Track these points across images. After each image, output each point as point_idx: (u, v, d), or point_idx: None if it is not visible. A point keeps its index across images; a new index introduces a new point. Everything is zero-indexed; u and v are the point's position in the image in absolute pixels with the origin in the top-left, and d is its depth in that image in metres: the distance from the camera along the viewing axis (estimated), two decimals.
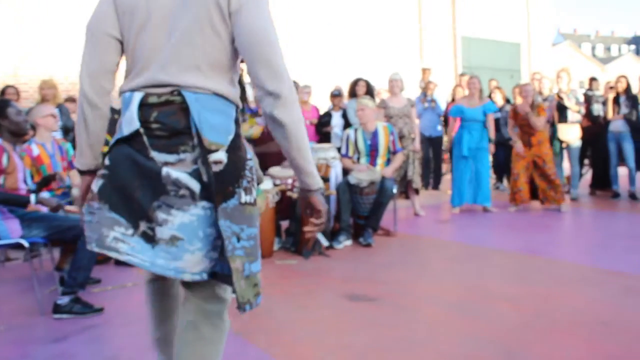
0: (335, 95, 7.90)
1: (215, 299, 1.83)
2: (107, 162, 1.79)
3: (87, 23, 1.82)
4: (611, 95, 8.07)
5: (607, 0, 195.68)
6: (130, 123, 1.73)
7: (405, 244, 5.43)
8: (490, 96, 9.10)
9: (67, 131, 6.36)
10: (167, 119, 1.72)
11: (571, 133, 7.99)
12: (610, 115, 7.97)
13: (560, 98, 7.89)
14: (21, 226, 3.63)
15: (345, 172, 5.79)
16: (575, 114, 8.00)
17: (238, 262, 1.71)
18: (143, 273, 2.18)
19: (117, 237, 1.74)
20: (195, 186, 1.73)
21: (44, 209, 3.90)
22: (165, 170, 1.72)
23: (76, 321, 3.51)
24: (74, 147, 6.09)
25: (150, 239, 1.73)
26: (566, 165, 8.59)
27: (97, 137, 1.88)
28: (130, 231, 1.74)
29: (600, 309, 3.36)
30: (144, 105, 1.73)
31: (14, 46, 9.10)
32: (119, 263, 4.96)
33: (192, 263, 1.73)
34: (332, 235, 5.40)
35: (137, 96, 1.73)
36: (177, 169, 1.72)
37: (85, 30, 1.81)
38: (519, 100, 8.08)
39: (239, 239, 1.72)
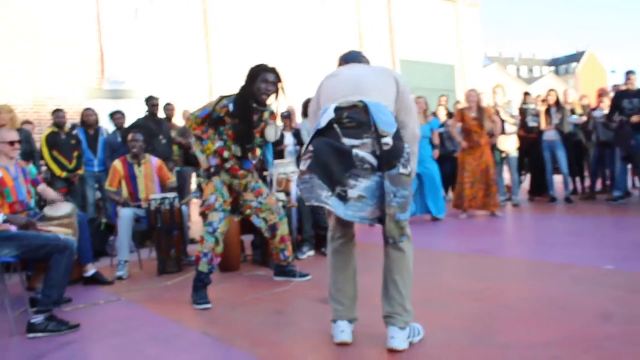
0: (286, 116, 7.95)
1: (402, 229, 2.75)
2: (311, 148, 2.70)
3: None
4: (543, 108, 8.48)
5: (528, 26, 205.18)
6: (327, 118, 2.70)
7: (365, 251, 5.47)
8: (434, 113, 9.37)
9: (30, 156, 6.17)
10: (355, 115, 2.68)
11: (509, 143, 8.36)
12: (543, 125, 8.37)
13: (497, 111, 8.23)
14: None
15: None
16: (511, 126, 8.38)
17: (392, 210, 2.62)
18: (330, 237, 3.00)
19: (326, 196, 2.60)
20: (374, 162, 2.63)
21: (14, 228, 3.78)
22: (354, 151, 2.62)
23: (52, 339, 3.41)
24: (37, 167, 5.93)
25: (343, 198, 2.63)
26: (506, 175, 8.94)
27: None
28: (330, 194, 2.63)
29: (554, 296, 3.53)
30: (338, 110, 2.71)
31: None
32: (88, 283, 4.85)
33: (370, 213, 2.66)
34: (296, 247, 5.44)
35: (333, 105, 2.74)
36: (361, 150, 2.63)
37: None
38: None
39: (395, 196, 2.61)
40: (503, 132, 8.26)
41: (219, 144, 4.20)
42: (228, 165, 4.25)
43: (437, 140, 7.68)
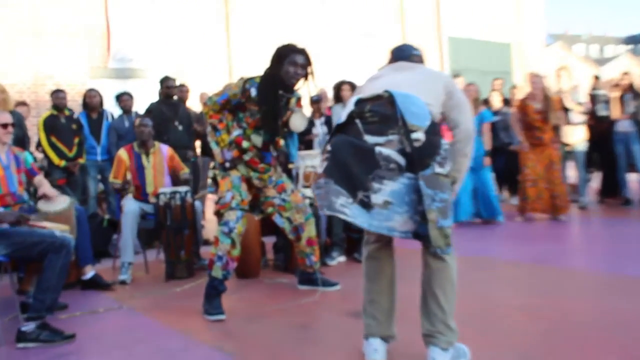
0: (315, 100, 7.89)
1: (447, 237, 2.66)
2: (329, 147, 2.67)
3: None
4: (616, 94, 8.26)
5: (599, 0, 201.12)
6: (347, 110, 2.70)
7: (404, 258, 5.42)
8: (486, 100, 9.21)
9: (21, 142, 6.25)
10: (379, 108, 2.62)
11: (575, 135, 8.16)
12: (616, 114, 8.15)
13: (561, 98, 8.04)
14: None
15: None
16: (578, 116, 8.18)
17: (433, 215, 2.53)
18: (365, 241, 3.00)
19: (342, 203, 2.54)
20: (402, 161, 2.55)
21: (4, 225, 3.82)
22: (377, 149, 2.55)
23: (44, 350, 3.44)
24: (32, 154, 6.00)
25: (366, 205, 2.55)
26: (571, 172, 8.75)
27: None
28: (350, 200, 2.55)
29: (628, 318, 3.42)
30: (359, 102, 2.69)
31: None
32: (86, 287, 4.89)
33: (400, 223, 2.57)
34: (324, 251, 5.40)
35: (355, 97, 2.74)
36: (386, 148, 2.55)
37: None
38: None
39: (433, 200, 2.53)
40: (568, 123, 8.08)
41: (236, 132, 4.18)
42: (246, 158, 4.22)
43: (487, 134, 7.49)
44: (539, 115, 7.31)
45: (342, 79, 7.77)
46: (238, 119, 4.21)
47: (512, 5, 19.74)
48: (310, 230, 4.44)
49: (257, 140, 4.21)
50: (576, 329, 3.29)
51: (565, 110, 8.04)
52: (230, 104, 4.17)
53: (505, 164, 8.81)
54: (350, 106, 2.72)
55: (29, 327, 3.52)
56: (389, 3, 16.37)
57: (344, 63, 13.63)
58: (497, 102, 9.38)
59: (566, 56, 49.46)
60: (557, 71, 8.68)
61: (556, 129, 7.49)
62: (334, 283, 4.55)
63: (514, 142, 8.12)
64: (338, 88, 7.55)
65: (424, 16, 17.32)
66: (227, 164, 4.18)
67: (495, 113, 8.90)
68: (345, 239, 5.64)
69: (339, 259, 5.51)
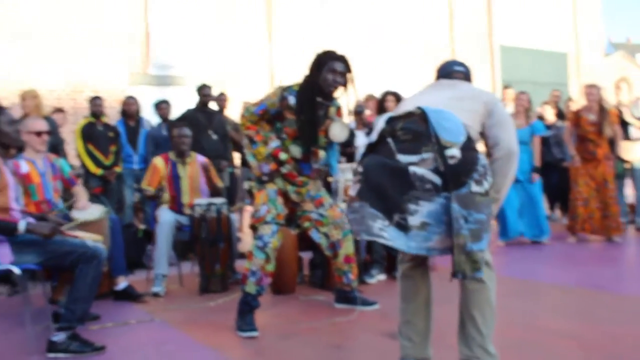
0: (359, 112, 7.92)
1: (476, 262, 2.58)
2: (360, 169, 2.67)
3: None
4: None
5: None
6: (378, 128, 2.71)
7: (447, 278, 5.41)
8: (540, 116, 9.07)
9: (54, 150, 6.42)
10: (411, 125, 2.62)
11: (634, 152, 7.98)
12: None
13: (620, 112, 7.89)
14: (12, 251, 3.66)
15: None
16: (638, 131, 8.00)
17: (461, 239, 2.50)
18: (399, 259, 3.01)
19: (380, 227, 2.54)
20: (437, 180, 2.53)
21: None
22: (411, 169, 2.54)
23: None
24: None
25: (403, 227, 2.54)
26: (629, 191, 8.56)
27: None
28: (387, 222, 2.55)
29: None
30: (391, 120, 2.71)
31: None
32: (118, 298, 4.99)
33: (439, 242, 2.56)
34: (363, 269, 5.39)
35: (385, 115, 2.75)
36: (420, 167, 2.54)
37: None
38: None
39: (466, 221, 2.50)
40: (627, 138, 7.91)
41: (274, 143, 4.22)
42: (284, 170, 4.26)
43: (537, 148, 7.38)
44: (593, 127, 7.18)
45: (386, 89, 7.79)
46: (276, 129, 4.25)
47: (569, 12, 19.44)
48: (348, 247, 4.45)
49: (296, 151, 4.25)
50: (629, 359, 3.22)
51: (624, 124, 7.88)
52: (269, 114, 4.21)
53: (558, 181, 8.66)
54: (381, 124, 2.73)
55: (60, 337, 3.61)
56: (437, 9, 16.28)
57: (388, 71, 13.62)
58: (550, 116, 9.24)
59: (628, 67, 48.43)
60: (617, 83, 8.52)
61: (611, 144, 7.34)
62: (372, 302, 4.54)
63: (567, 158, 7.99)
64: (382, 99, 7.56)
65: (474, 23, 17.17)
66: (265, 177, 4.22)
67: (549, 127, 8.77)
68: (386, 256, 5.63)
69: (378, 277, 5.49)
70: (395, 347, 3.05)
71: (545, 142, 8.21)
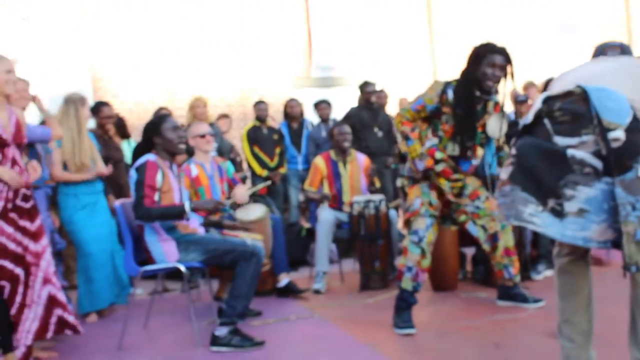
0: (522, 101, 7.53)
1: None
2: (513, 151, 2.54)
3: None
4: None
5: None
6: (534, 109, 2.49)
7: (613, 272, 4.98)
8: None
9: (221, 153, 6.76)
10: (570, 105, 2.41)
11: None
12: None
13: None
14: (178, 249, 3.89)
15: None
16: None
17: (630, 227, 2.28)
18: (556, 253, 2.77)
19: (531, 212, 2.40)
20: (598, 164, 2.35)
21: (201, 230, 4.15)
22: (569, 152, 2.37)
23: (235, 355, 3.68)
24: (234, 165, 6.48)
25: (558, 213, 2.38)
26: None
27: None
28: (540, 208, 2.40)
29: None
30: (548, 99, 2.48)
31: (168, 72, 10.09)
32: (281, 294, 5.13)
33: (598, 233, 2.37)
34: (530, 264, 5.13)
35: (542, 95, 2.52)
36: (580, 150, 2.36)
37: None
38: None
39: (633, 208, 2.29)
40: None
41: (430, 142, 4.10)
42: (439, 168, 4.12)
43: None
44: None
45: (547, 77, 7.38)
46: (434, 127, 4.14)
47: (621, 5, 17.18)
48: (507, 240, 4.24)
49: (454, 148, 4.12)
50: None
51: None
52: (426, 111, 4.10)
53: None
54: (537, 104, 2.52)
55: (222, 331, 3.78)
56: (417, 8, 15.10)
57: (551, 62, 12.91)
58: None
59: None
60: None
61: None
62: (538, 299, 4.29)
63: None
64: (546, 85, 7.17)
65: None
66: (419, 175, 4.13)
67: None
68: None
69: (545, 272, 5.17)
70: (558, 348, 2.86)
71: None
